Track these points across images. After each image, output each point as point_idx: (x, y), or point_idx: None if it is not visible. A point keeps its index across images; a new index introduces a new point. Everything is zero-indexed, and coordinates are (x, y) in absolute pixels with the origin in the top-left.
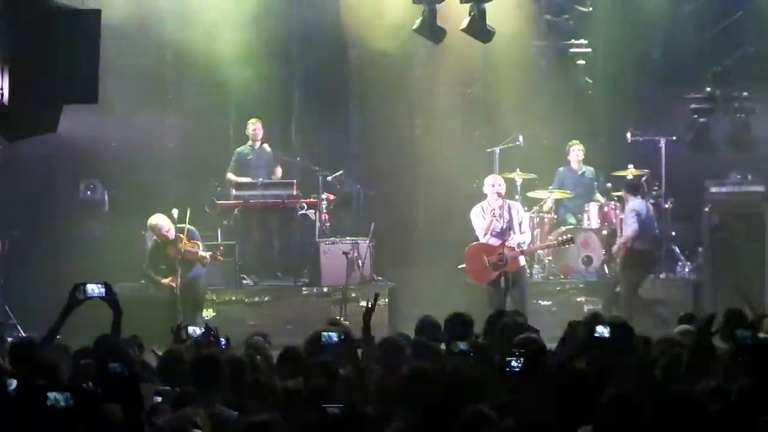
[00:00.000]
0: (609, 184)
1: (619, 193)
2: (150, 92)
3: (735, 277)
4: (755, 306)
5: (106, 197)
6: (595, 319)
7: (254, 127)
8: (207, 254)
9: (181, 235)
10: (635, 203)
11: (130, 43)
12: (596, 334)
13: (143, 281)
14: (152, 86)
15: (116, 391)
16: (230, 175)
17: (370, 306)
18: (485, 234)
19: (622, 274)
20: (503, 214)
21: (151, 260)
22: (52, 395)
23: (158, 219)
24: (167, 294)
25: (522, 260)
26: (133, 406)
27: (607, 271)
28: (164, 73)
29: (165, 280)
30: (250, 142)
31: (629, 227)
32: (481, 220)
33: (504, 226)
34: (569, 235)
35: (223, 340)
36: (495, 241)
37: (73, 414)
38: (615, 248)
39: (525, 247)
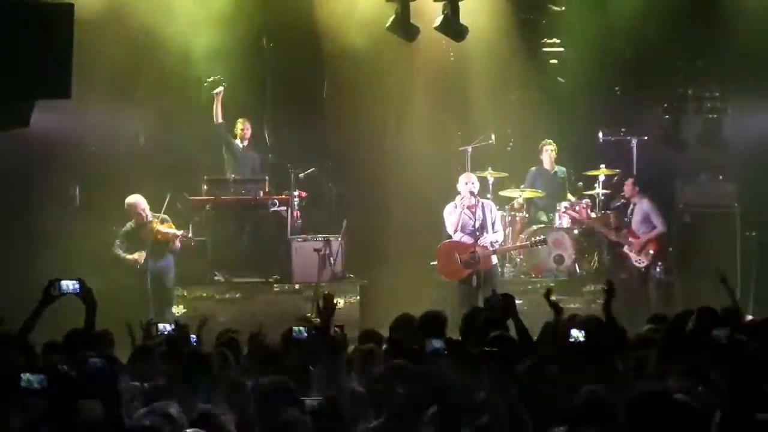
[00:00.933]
0: (580, 183)
1: (591, 192)
2: (122, 87)
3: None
4: (733, 293)
5: (78, 193)
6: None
7: (243, 126)
8: (180, 233)
9: (156, 217)
10: (648, 200)
11: (102, 38)
12: (571, 339)
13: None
14: (125, 82)
15: (96, 386)
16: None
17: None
18: (455, 229)
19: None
20: (476, 212)
21: (123, 240)
22: (25, 376)
23: (136, 198)
24: (137, 288)
25: (494, 259)
26: (112, 401)
27: (578, 269)
28: (137, 69)
29: (131, 256)
30: (238, 140)
31: (662, 223)
32: (454, 217)
33: (477, 225)
34: (542, 236)
35: (193, 336)
36: (468, 240)
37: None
38: (641, 242)
39: (497, 246)
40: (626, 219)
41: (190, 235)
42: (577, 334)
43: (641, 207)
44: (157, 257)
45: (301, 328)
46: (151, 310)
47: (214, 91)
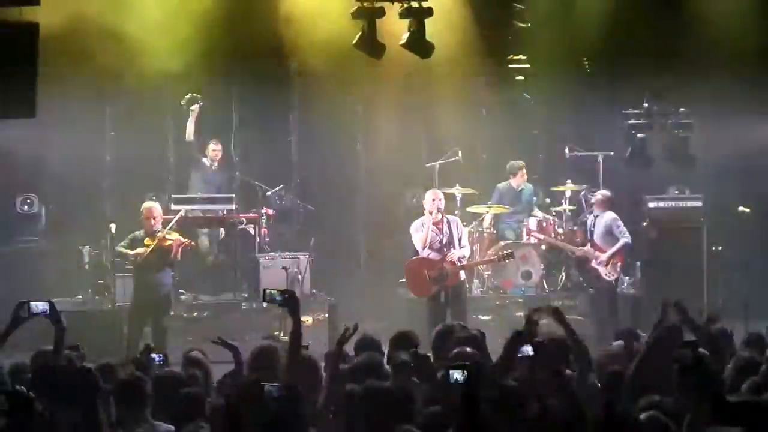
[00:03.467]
0: (548, 199)
1: (558, 209)
2: (88, 106)
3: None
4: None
5: (43, 212)
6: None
7: (215, 148)
8: (185, 240)
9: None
10: (612, 214)
11: (68, 56)
12: (520, 354)
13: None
14: (91, 100)
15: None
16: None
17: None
18: (424, 246)
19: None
20: (443, 228)
21: (129, 242)
22: None
23: (152, 204)
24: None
25: (462, 275)
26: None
27: (545, 285)
28: (103, 87)
29: (133, 251)
30: (208, 161)
31: (625, 236)
32: (422, 233)
33: (444, 241)
34: (509, 250)
35: (160, 356)
36: (435, 256)
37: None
38: (607, 255)
39: (465, 262)
40: (590, 230)
41: (193, 243)
42: (526, 349)
43: (603, 220)
44: (156, 270)
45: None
46: (138, 324)
47: (191, 108)
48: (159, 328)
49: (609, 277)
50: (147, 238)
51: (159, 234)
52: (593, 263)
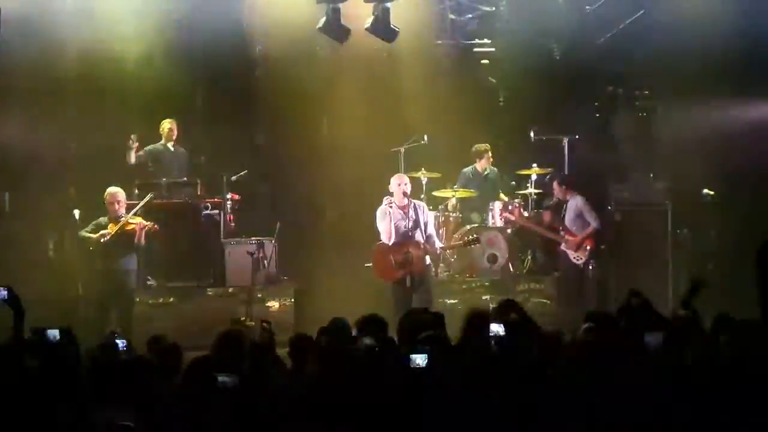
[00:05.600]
0: (513, 183)
1: (524, 192)
2: (50, 91)
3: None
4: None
5: (6, 198)
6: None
7: (170, 126)
8: (149, 223)
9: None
10: (581, 198)
11: (28, 41)
12: (491, 333)
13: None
14: (53, 85)
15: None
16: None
17: None
18: (389, 237)
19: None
20: (409, 213)
21: (93, 228)
22: None
23: (116, 189)
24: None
25: (427, 259)
26: None
27: (511, 268)
28: (65, 72)
29: (95, 235)
30: (163, 141)
31: (596, 220)
32: (385, 224)
33: (410, 226)
34: (475, 235)
35: (124, 342)
36: (401, 241)
37: None
38: (578, 239)
39: (430, 247)
40: (561, 216)
41: (156, 226)
42: (497, 329)
43: (574, 204)
44: (121, 255)
45: None
46: (111, 314)
47: (131, 143)
48: (124, 314)
49: (578, 260)
50: (111, 224)
51: (123, 219)
52: (563, 246)
